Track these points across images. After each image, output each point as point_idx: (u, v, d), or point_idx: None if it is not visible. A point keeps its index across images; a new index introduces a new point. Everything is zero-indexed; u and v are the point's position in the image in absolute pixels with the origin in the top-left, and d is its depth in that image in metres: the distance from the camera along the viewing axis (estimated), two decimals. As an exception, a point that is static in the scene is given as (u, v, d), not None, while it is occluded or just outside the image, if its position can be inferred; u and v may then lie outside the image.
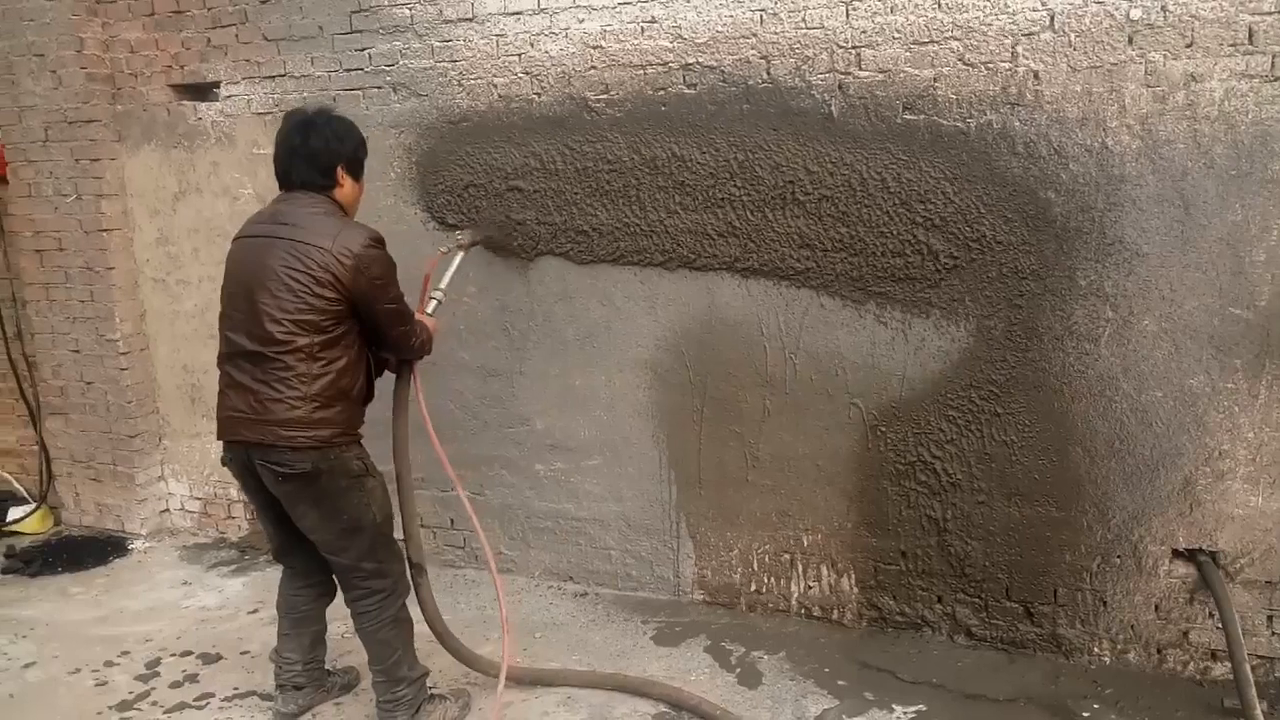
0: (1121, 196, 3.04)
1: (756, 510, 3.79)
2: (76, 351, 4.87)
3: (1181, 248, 3.01)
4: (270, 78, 4.28)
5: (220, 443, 2.90)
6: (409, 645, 3.06)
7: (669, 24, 3.51)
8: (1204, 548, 3.17)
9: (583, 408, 3.99)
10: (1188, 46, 2.89)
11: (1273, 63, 2.82)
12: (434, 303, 3.28)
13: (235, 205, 4.42)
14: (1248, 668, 2.85)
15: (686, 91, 3.53)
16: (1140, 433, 3.17)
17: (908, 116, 3.25)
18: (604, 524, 4.08)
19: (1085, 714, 3.10)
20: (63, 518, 5.19)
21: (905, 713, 3.14)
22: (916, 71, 3.21)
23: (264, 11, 4.22)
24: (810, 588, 3.78)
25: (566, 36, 3.68)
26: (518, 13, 3.74)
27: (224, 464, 2.94)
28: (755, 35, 3.40)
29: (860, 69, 3.28)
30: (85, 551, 4.78)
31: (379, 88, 4.06)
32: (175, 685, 3.50)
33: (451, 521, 4.37)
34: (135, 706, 3.37)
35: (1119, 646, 3.34)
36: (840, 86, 3.31)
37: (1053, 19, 3.02)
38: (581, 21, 3.64)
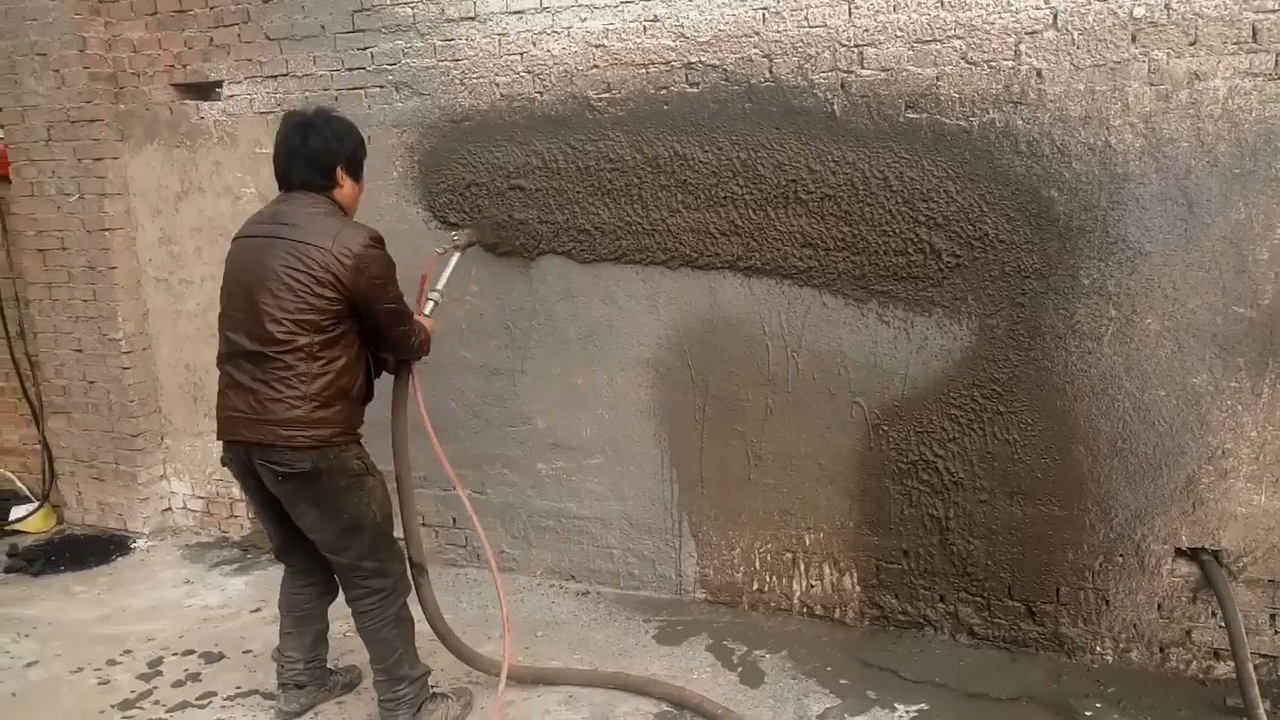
0: (1125, 195, 3.04)
1: (759, 509, 3.79)
2: (79, 351, 4.87)
3: (1185, 246, 3.01)
4: (273, 77, 4.28)
5: (221, 442, 2.90)
6: (410, 644, 3.06)
7: (671, 23, 3.51)
8: (1207, 546, 3.17)
9: (585, 406, 3.99)
10: (1191, 44, 2.89)
11: (1276, 61, 2.82)
12: (431, 303, 3.28)
13: (238, 205, 4.42)
14: (1251, 667, 2.85)
15: (689, 90, 3.53)
16: (1143, 431, 3.17)
17: (910, 115, 3.24)
18: (606, 523, 4.08)
19: (1088, 713, 3.09)
20: (65, 517, 5.19)
21: (907, 712, 3.14)
22: (919, 70, 3.20)
23: (266, 11, 4.22)
24: (812, 586, 3.78)
25: (569, 35, 3.68)
26: (520, 11, 3.74)
27: (224, 464, 2.94)
28: (758, 34, 3.40)
29: (863, 67, 3.28)
30: (88, 550, 4.79)
31: (381, 87, 4.06)
32: (177, 684, 3.50)
33: (453, 520, 4.37)
34: (138, 705, 3.37)
35: (1121, 645, 3.34)
36: (843, 85, 3.31)
37: (1056, 17, 3.01)
38: (584, 20, 3.64)
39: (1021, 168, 3.14)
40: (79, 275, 4.78)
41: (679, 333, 3.76)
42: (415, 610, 3.10)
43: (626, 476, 3.99)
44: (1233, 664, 2.95)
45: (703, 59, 3.49)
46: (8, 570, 4.60)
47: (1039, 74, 3.06)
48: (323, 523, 2.85)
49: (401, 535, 3.11)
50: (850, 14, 3.26)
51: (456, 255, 3.55)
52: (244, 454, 2.81)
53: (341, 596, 3.05)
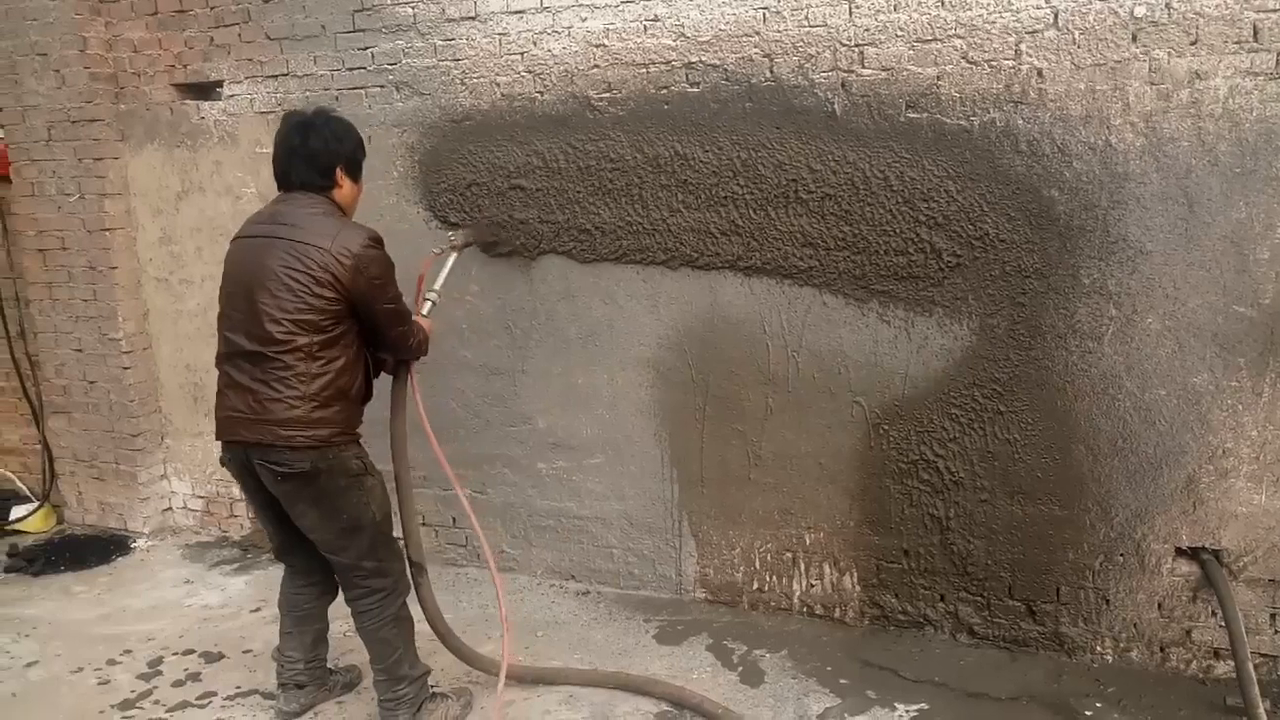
0: (1125, 194, 3.04)
1: (759, 508, 3.79)
2: (79, 350, 4.88)
3: (1185, 245, 3.01)
4: (273, 77, 4.28)
5: (220, 442, 2.90)
6: (410, 644, 3.06)
7: (672, 22, 3.51)
8: (1207, 546, 3.17)
9: (585, 406, 3.99)
10: (1192, 44, 2.89)
11: (1277, 60, 2.82)
12: (429, 304, 3.28)
13: (238, 204, 4.43)
14: (1251, 666, 2.85)
15: (689, 90, 3.53)
16: (1143, 431, 3.17)
17: (911, 115, 3.24)
18: (606, 522, 4.08)
19: (1088, 713, 3.09)
20: (65, 516, 5.19)
21: (907, 711, 3.14)
22: (920, 69, 3.21)
23: (267, 11, 4.23)
24: (812, 586, 3.78)
25: (569, 35, 3.68)
26: (520, 11, 3.74)
27: (223, 464, 2.94)
28: (758, 33, 3.40)
29: (863, 67, 3.28)
30: (88, 550, 4.79)
31: (382, 87, 4.06)
32: (177, 684, 3.50)
33: (453, 520, 4.37)
34: (137, 705, 3.37)
35: (1122, 645, 3.34)
36: (843, 85, 3.31)
37: (1056, 16, 3.02)
38: (584, 20, 3.64)
39: (1022, 167, 3.14)
40: (79, 275, 4.78)
41: (679, 332, 3.76)
42: (415, 610, 3.10)
43: (627, 476, 3.99)
44: (1233, 663, 2.95)
45: (703, 59, 3.49)
46: (8, 570, 4.60)
47: (1040, 73, 3.06)
48: (322, 523, 2.85)
49: (401, 535, 3.11)
50: (851, 13, 3.26)
51: (453, 256, 3.55)
52: (243, 454, 2.81)
53: (341, 596, 3.05)
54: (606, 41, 3.62)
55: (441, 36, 3.91)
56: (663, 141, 3.60)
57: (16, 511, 5.13)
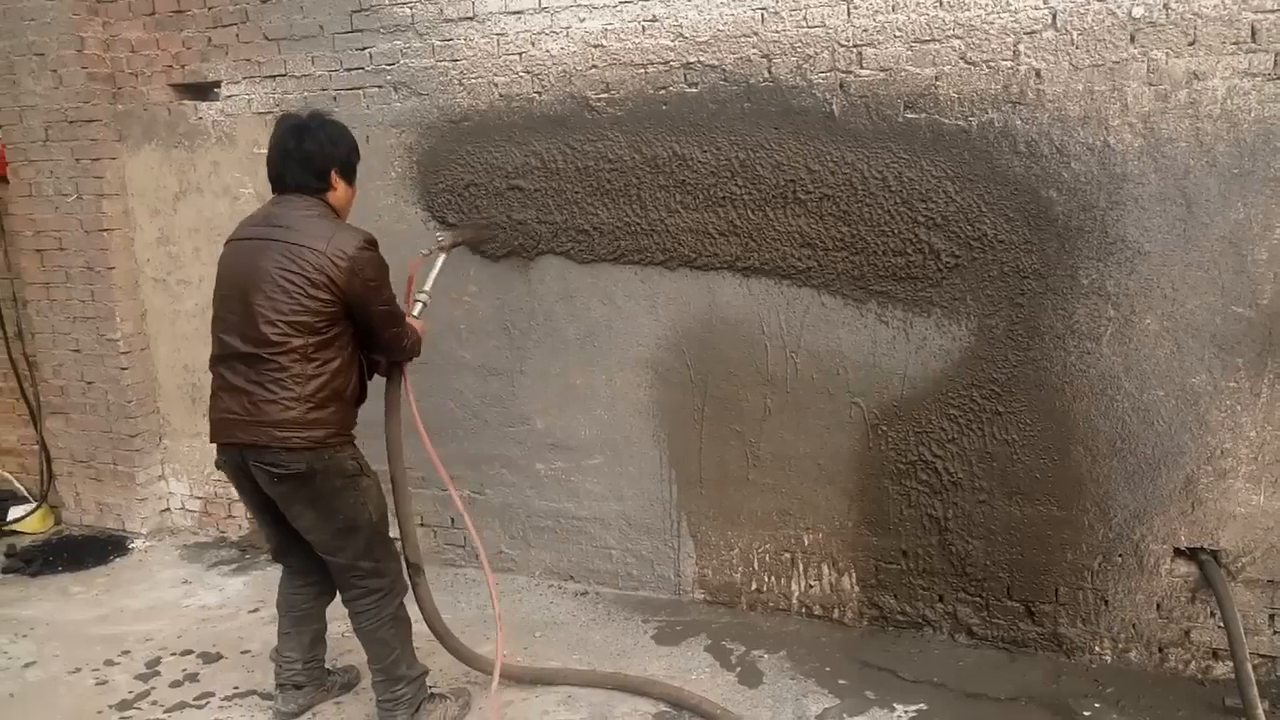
0: (1124, 195, 3.04)
1: (757, 509, 3.79)
2: (77, 351, 4.87)
3: (1184, 246, 3.01)
4: (271, 77, 4.28)
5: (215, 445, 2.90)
6: (408, 644, 3.06)
7: (670, 23, 3.51)
8: (1206, 546, 3.17)
9: (583, 407, 3.98)
10: (1190, 44, 2.89)
11: (1275, 61, 2.82)
12: (419, 305, 3.28)
13: (236, 205, 4.42)
14: (1249, 666, 2.85)
15: (688, 90, 3.53)
16: (1142, 431, 3.17)
17: (909, 115, 3.24)
18: (605, 523, 4.07)
19: (1086, 713, 3.09)
20: (63, 517, 5.19)
21: (906, 712, 3.14)
22: (918, 70, 3.20)
23: (265, 11, 4.22)
24: (811, 587, 3.78)
25: (567, 35, 3.68)
26: (519, 11, 3.74)
27: (218, 467, 2.93)
28: (756, 34, 3.39)
29: (862, 67, 3.28)
30: (85, 551, 4.78)
31: (380, 87, 4.06)
32: (175, 684, 3.50)
33: (452, 521, 4.37)
34: (135, 706, 3.36)
35: (1120, 645, 3.34)
36: (842, 85, 3.31)
37: (1055, 17, 3.01)
38: (582, 20, 3.64)
39: (1020, 168, 3.14)
40: (77, 275, 4.77)
41: (678, 333, 3.76)
42: (413, 610, 3.09)
43: (625, 477, 3.99)
44: (1231, 664, 2.95)
45: (701, 59, 3.49)
46: (5, 571, 4.60)
47: (1038, 74, 3.06)
48: (319, 523, 2.85)
49: (397, 535, 3.11)
50: (849, 14, 3.26)
51: (442, 256, 3.54)
52: (238, 456, 2.81)
53: (339, 597, 3.05)
54: (604, 42, 3.62)
55: (439, 37, 3.91)
56: (661, 142, 3.60)
57: (14, 512, 5.13)
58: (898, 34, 3.21)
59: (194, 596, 4.26)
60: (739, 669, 3.45)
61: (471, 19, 3.83)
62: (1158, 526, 3.21)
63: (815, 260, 3.48)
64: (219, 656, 3.69)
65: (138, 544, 4.87)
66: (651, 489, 3.95)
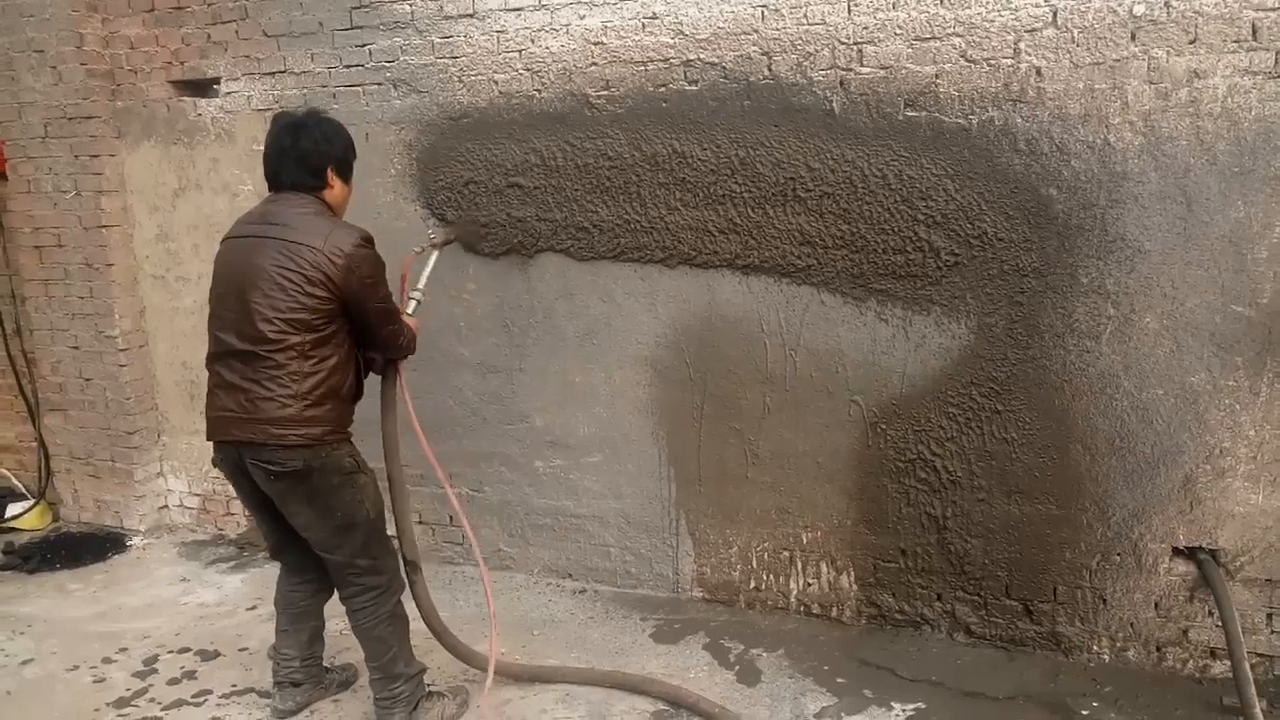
0: (1124, 193, 3.04)
1: (756, 507, 3.78)
2: (75, 348, 4.86)
3: (1184, 245, 3.01)
4: (270, 74, 4.27)
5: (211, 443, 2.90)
6: (405, 642, 3.06)
7: (670, 20, 3.50)
8: (1204, 545, 3.17)
9: (582, 404, 3.98)
10: (1191, 43, 2.89)
11: (1276, 59, 2.82)
12: (414, 303, 3.28)
13: (235, 202, 4.41)
14: (1247, 666, 2.84)
15: (688, 88, 3.53)
16: (1141, 430, 3.17)
17: (909, 113, 3.24)
18: (603, 521, 4.07)
19: (1084, 712, 3.09)
20: (61, 514, 5.18)
21: (904, 710, 3.14)
22: (918, 68, 3.20)
23: (264, 7, 4.22)
24: (809, 585, 3.78)
25: (567, 32, 3.67)
26: (518, 9, 3.73)
27: (215, 465, 2.93)
28: (757, 31, 3.39)
29: (862, 65, 3.27)
30: (83, 548, 4.78)
31: (379, 84, 4.05)
32: (173, 682, 3.49)
33: (450, 519, 4.36)
34: (133, 703, 3.36)
35: (1118, 644, 3.34)
36: (842, 83, 3.31)
37: (1055, 15, 3.01)
38: (582, 18, 3.64)
39: (1020, 166, 3.14)
40: (76, 272, 4.77)
41: (677, 331, 3.76)
42: (410, 608, 3.09)
43: (624, 475, 3.98)
44: (1229, 663, 2.94)
45: (701, 56, 3.48)
46: (3, 568, 4.59)
47: (1038, 72, 3.06)
48: (316, 521, 2.85)
49: (395, 533, 3.11)
50: (849, 11, 3.25)
51: (435, 254, 3.54)
52: (235, 454, 2.80)
53: (336, 594, 3.05)
54: (604, 39, 3.62)
55: (439, 34, 3.90)
56: (661, 139, 3.59)
57: (12, 509, 5.12)
58: (898, 31, 3.20)
59: (192, 594, 4.26)
60: (737, 667, 3.45)
61: (471, 16, 3.83)
62: (1156, 525, 3.21)
63: (815, 258, 3.47)
64: (217, 654, 3.69)
65: (136, 541, 4.87)
66: (650, 487, 3.95)
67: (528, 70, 3.76)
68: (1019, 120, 3.11)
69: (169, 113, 4.55)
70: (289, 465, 2.72)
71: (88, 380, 4.87)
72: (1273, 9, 2.79)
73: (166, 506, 5.07)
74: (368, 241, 2.81)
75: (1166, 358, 3.10)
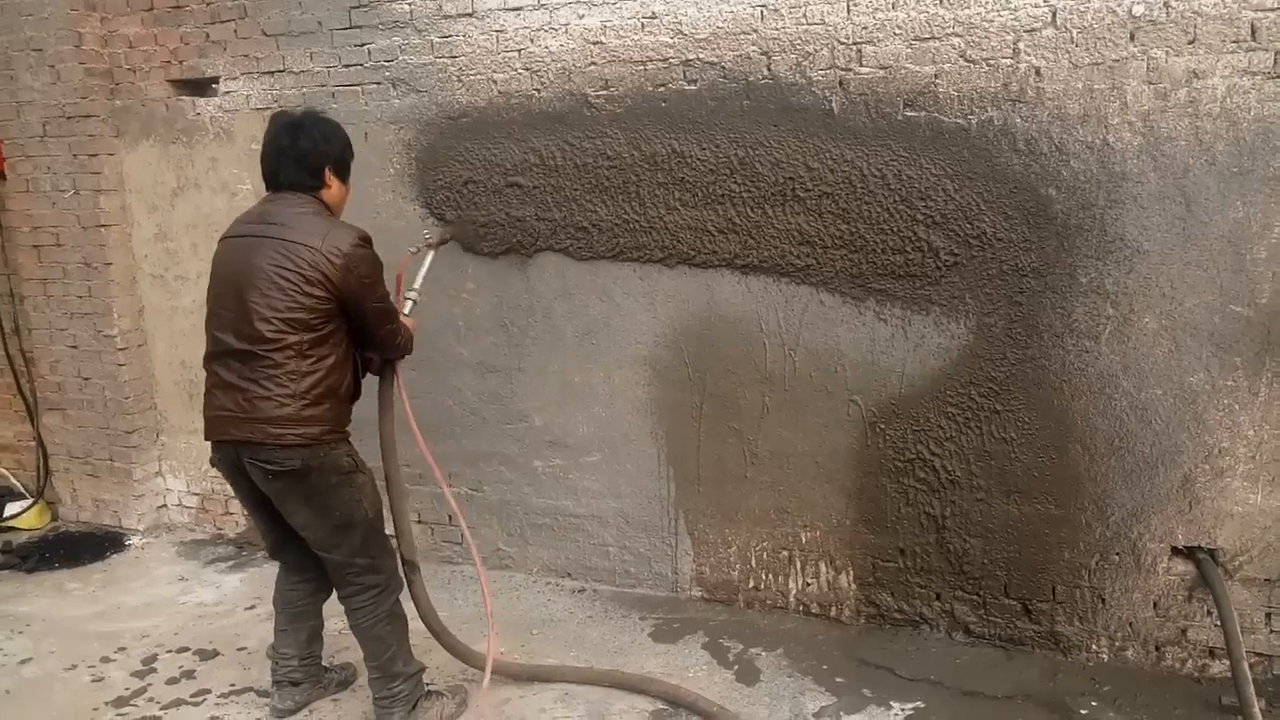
0: (1123, 193, 3.04)
1: (755, 507, 3.79)
2: (74, 347, 4.86)
3: (1183, 245, 3.01)
4: (269, 73, 4.27)
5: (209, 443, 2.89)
6: (404, 641, 3.06)
7: (669, 20, 3.50)
8: (1203, 545, 3.17)
9: (582, 404, 3.98)
10: (1190, 43, 2.89)
11: (1275, 59, 2.82)
12: (410, 303, 3.28)
13: (234, 201, 4.41)
14: (1246, 665, 2.85)
15: (687, 88, 3.53)
16: (1140, 430, 3.17)
17: (909, 113, 3.24)
18: (602, 520, 4.07)
19: (1083, 711, 3.09)
20: (60, 513, 5.18)
21: (903, 709, 3.14)
22: (918, 68, 3.20)
23: (263, 7, 4.21)
24: (808, 585, 3.78)
25: (566, 32, 3.67)
26: (518, 8, 3.73)
27: (213, 464, 2.93)
28: (756, 31, 3.39)
29: (861, 65, 3.27)
30: (82, 547, 4.77)
31: (378, 83, 4.05)
32: (172, 681, 3.49)
33: (449, 518, 4.36)
34: (132, 703, 3.36)
35: (1117, 644, 3.34)
36: (841, 83, 3.31)
37: (1055, 15, 3.01)
38: (581, 17, 3.63)
39: (1020, 166, 3.14)
40: (74, 271, 4.76)
41: (676, 331, 3.76)
42: (409, 607, 3.09)
43: (623, 474, 3.98)
44: (1228, 662, 2.95)
45: (701, 56, 3.48)
46: (1, 567, 4.58)
47: (1037, 72, 3.06)
48: (314, 520, 2.85)
49: (393, 533, 3.11)
50: (849, 11, 3.25)
51: (431, 253, 3.54)
52: (233, 453, 2.80)
53: (335, 594, 3.04)
54: (604, 39, 3.61)
55: (438, 33, 3.90)
56: (660, 139, 3.59)
57: (11, 508, 5.12)
58: (897, 32, 3.20)
59: (191, 593, 4.25)
60: (736, 667, 3.45)
61: (470, 15, 3.83)
62: (1155, 525, 3.22)
63: (814, 258, 3.47)
64: (215, 653, 3.69)
65: (134, 540, 4.87)
66: (649, 486, 3.95)
67: (527, 70, 3.76)
68: (1018, 120, 3.11)
69: (168, 112, 4.54)
70: (287, 465, 2.72)
71: (86, 379, 4.87)
72: (1272, 9, 2.79)
73: (165, 506, 5.07)
74: (366, 241, 2.81)
75: (1165, 358, 3.10)
